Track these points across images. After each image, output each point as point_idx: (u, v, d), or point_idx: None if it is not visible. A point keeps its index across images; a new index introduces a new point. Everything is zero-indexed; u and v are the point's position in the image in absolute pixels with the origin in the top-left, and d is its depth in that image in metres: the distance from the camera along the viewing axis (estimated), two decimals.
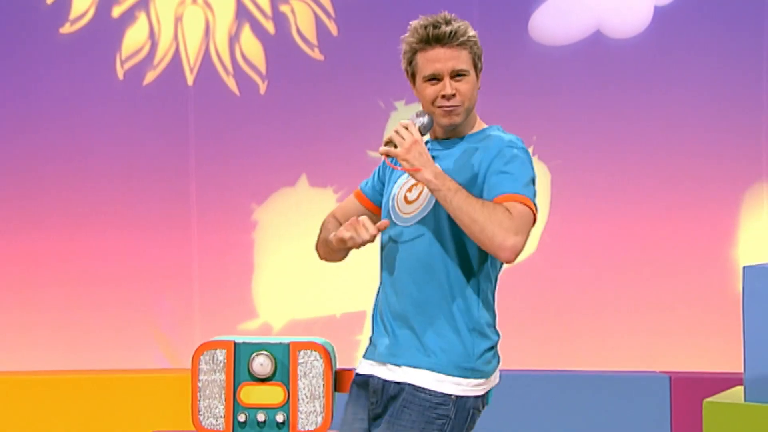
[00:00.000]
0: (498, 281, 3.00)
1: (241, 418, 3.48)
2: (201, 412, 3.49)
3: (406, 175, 2.97)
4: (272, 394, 3.48)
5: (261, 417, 3.48)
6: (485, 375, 2.94)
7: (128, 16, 5.93)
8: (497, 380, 3.01)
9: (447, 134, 2.97)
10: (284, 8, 5.92)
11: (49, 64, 5.88)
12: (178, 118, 5.93)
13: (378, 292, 3.05)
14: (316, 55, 5.91)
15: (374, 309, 3.04)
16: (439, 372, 2.88)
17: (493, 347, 2.96)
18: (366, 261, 5.87)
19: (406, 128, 2.86)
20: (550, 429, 5.31)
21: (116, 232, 5.90)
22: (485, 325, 2.94)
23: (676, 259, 5.77)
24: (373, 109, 5.92)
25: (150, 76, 5.94)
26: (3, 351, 5.82)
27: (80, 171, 5.89)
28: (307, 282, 5.92)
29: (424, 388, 2.88)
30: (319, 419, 3.48)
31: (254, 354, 3.49)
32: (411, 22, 2.95)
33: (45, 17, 5.89)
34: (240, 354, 3.49)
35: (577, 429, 5.30)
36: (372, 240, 2.92)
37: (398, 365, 2.92)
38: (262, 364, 3.48)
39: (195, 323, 5.92)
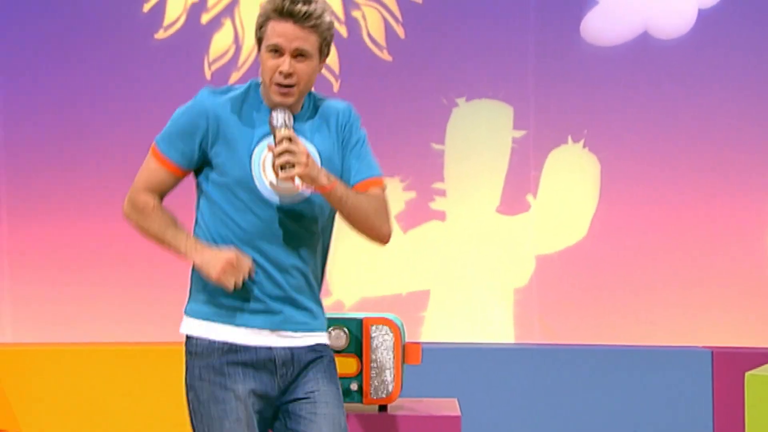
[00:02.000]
0: None
1: None
2: None
3: (265, 146, 2.72)
4: (347, 365, 3.47)
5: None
6: None
7: (215, 23, 5.95)
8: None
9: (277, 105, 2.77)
10: (356, 13, 5.91)
11: (145, 66, 5.92)
12: None
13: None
14: (385, 56, 5.89)
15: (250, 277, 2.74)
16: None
17: None
18: (427, 245, 5.88)
19: (290, 140, 2.64)
20: (598, 399, 5.26)
21: None
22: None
23: (716, 242, 5.70)
24: (436, 105, 5.89)
25: (234, 77, 5.95)
26: (100, 324, 5.87)
27: None
28: (376, 263, 5.91)
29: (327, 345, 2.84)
30: (390, 388, 3.47)
31: (330, 328, 3.47)
32: None
33: (141, 24, 5.93)
34: None
35: (624, 400, 5.25)
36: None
37: (310, 331, 2.81)
38: (337, 337, 3.48)
39: None
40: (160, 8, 5.93)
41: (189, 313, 2.81)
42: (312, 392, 2.77)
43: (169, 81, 5.93)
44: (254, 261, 2.73)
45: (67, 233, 5.91)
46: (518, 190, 5.85)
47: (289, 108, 2.74)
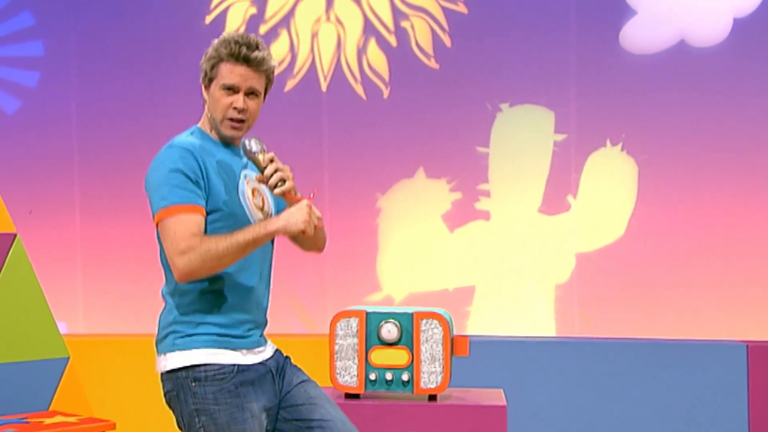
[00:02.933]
0: None
1: (372, 376, 3.49)
2: (338, 372, 3.52)
3: (244, 181, 2.84)
4: (398, 357, 3.48)
5: (389, 376, 3.49)
6: None
7: (272, 33, 5.99)
8: None
9: (227, 140, 2.85)
10: (405, 24, 5.92)
11: None
12: (314, 119, 5.97)
13: (224, 288, 2.81)
14: (432, 64, 5.90)
15: (227, 304, 2.81)
16: None
17: None
18: (472, 243, 5.88)
19: (272, 160, 2.76)
20: (634, 391, 5.23)
21: None
22: None
23: (751, 242, 5.65)
24: (481, 110, 5.89)
25: (290, 84, 5.99)
26: (147, 316, 5.92)
27: None
28: (424, 260, 5.93)
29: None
30: (439, 378, 3.48)
31: (383, 322, 3.50)
32: (224, 34, 2.84)
33: (204, 36, 5.97)
34: (370, 321, 3.51)
35: (663, 392, 5.21)
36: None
37: (266, 344, 2.93)
38: (389, 330, 3.49)
39: (327, 295, 5.96)
40: (220, 20, 5.99)
41: (188, 345, 2.81)
42: (299, 383, 2.90)
43: None
44: (244, 291, 2.82)
45: (135, 232, 5.98)
46: (559, 191, 5.84)
47: (229, 141, 2.84)
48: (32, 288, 4.00)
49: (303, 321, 6.01)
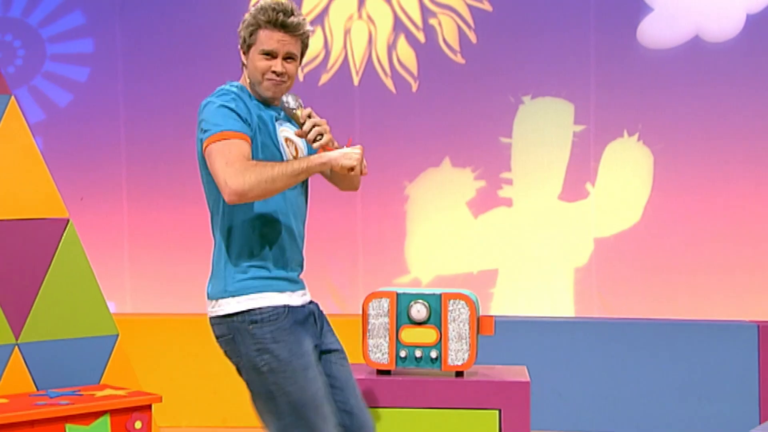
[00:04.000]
0: None
1: (402, 354, 3.49)
2: (370, 349, 3.52)
3: (281, 128, 2.85)
4: (427, 335, 3.48)
5: (418, 353, 3.48)
6: None
7: None
8: None
9: (268, 101, 2.84)
10: (433, 21, 5.90)
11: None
12: (347, 111, 5.97)
13: (270, 229, 2.81)
14: (459, 59, 5.88)
15: (274, 246, 2.81)
16: None
17: None
18: (495, 228, 5.86)
19: (310, 116, 2.77)
20: (650, 368, 5.21)
21: None
22: None
23: (762, 227, 5.61)
24: (504, 103, 5.86)
25: (324, 78, 5.98)
26: (190, 297, 5.95)
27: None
28: (449, 244, 5.92)
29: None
30: (466, 356, 3.47)
31: (412, 302, 3.49)
32: (261, 1, 2.80)
33: None
34: (401, 302, 3.50)
35: (677, 370, 5.19)
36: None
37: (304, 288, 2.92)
38: (419, 310, 3.49)
39: (359, 277, 5.97)
40: None
41: (239, 290, 2.79)
42: (331, 343, 2.91)
43: None
44: (287, 232, 2.83)
45: (179, 218, 6.01)
46: (578, 179, 5.81)
47: (267, 100, 2.83)
48: (84, 269, 4.02)
49: (336, 301, 6.02)
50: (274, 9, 2.77)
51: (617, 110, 5.76)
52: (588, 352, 5.25)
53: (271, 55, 2.79)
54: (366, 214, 5.98)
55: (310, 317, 2.87)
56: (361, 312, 3.55)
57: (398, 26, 5.93)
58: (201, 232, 6.00)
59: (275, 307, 2.77)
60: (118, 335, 4.08)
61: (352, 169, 2.73)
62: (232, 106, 2.75)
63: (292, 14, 2.78)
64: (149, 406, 3.68)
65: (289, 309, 2.78)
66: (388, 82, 5.95)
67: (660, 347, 5.22)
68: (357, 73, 5.97)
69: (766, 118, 5.62)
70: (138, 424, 3.63)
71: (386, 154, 5.96)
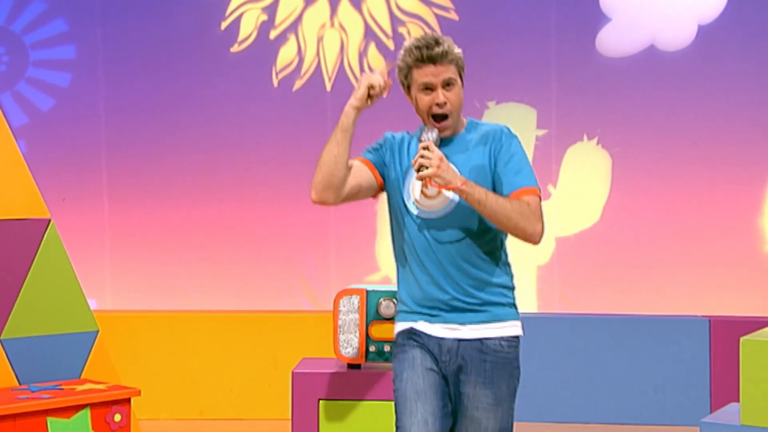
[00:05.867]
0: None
1: (372, 348, 3.49)
2: (341, 344, 3.51)
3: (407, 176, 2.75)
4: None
5: (387, 348, 3.49)
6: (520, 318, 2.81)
7: (282, 38, 5.97)
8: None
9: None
10: (402, 29, 5.90)
11: (223, 75, 5.96)
12: (319, 116, 5.95)
13: (406, 276, 2.77)
14: None
15: (409, 289, 2.77)
16: (502, 321, 2.76)
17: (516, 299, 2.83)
18: None
19: (427, 148, 2.64)
20: (608, 362, 5.23)
21: (272, 203, 5.97)
22: (512, 280, 2.83)
23: (714, 226, 5.65)
24: (470, 107, 5.85)
25: (298, 84, 5.97)
26: (187, 294, 5.93)
27: (245, 157, 5.96)
28: None
29: (497, 339, 2.73)
30: None
31: (381, 299, 3.50)
32: (405, 44, 2.75)
33: (219, 40, 5.97)
34: (370, 299, 3.50)
35: (634, 362, 5.22)
36: (384, 88, 2.78)
37: (463, 324, 2.72)
38: (388, 306, 3.49)
39: (331, 275, 5.96)
40: (234, 26, 5.97)
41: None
42: (474, 395, 2.74)
43: (242, 87, 5.97)
44: (422, 271, 2.74)
45: (158, 217, 5.98)
46: (540, 181, 5.70)
47: (451, 130, 2.74)
48: (65, 268, 3.99)
49: (309, 298, 6.01)
50: (417, 47, 2.72)
51: (577, 115, 5.79)
52: (550, 346, 5.27)
53: (429, 88, 2.73)
54: (338, 215, 5.98)
55: (449, 347, 2.71)
56: (332, 308, 3.54)
57: (369, 34, 5.93)
58: (179, 232, 6.01)
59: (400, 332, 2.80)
60: (98, 331, 4.05)
61: (372, 87, 2.74)
62: (380, 140, 2.89)
63: (437, 45, 2.71)
64: (128, 400, 3.65)
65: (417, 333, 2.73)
66: None
67: (618, 341, 5.25)
68: (329, 79, 5.96)
69: (717, 122, 5.67)
70: (117, 417, 3.61)
71: (356, 156, 5.95)
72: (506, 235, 2.78)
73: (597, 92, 5.74)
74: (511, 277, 2.82)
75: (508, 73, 5.80)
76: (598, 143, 5.80)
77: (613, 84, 5.73)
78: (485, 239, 2.73)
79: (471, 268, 2.72)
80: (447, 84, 2.72)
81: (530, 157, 5.78)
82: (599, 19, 5.75)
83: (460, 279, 2.72)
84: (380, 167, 2.84)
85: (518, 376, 2.78)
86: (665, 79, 5.69)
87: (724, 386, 5.03)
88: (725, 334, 5.06)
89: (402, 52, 2.77)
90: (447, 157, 2.68)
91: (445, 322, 2.73)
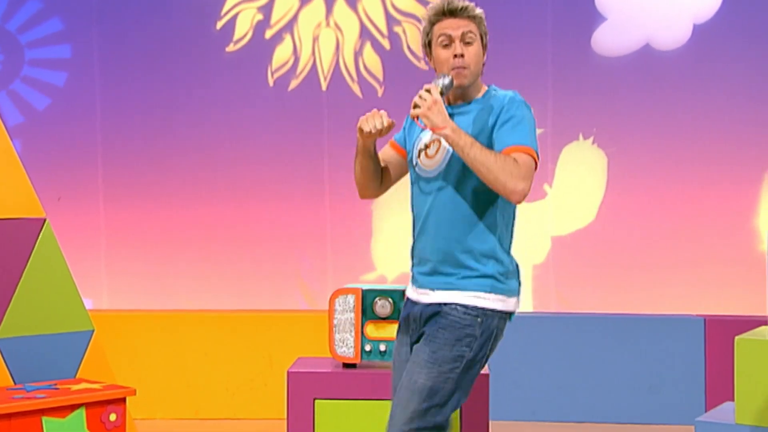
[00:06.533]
0: (515, 214, 2.82)
1: (367, 348, 3.49)
2: (336, 343, 3.51)
3: (425, 133, 2.80)
4: (391, 330, 3.49)
5: (382, 347, 3.49)
6: (505, 292, 2.73)
7: (277, 37, 5.97)
8: (517, 306, 2.79)
9: (458, 99, 2.78)
10: (397, 29, 5.90)
11: (218, 74, 5.96)
12: (315, 115, 5.95)
13: (413, 233, 2.85)
14: (422, 65, 5.88)
15: (412, 246, 2.85)
16: (465, 290, 2.70)
17: (509, 270, 2.75)
18: None
19: (428, 91, 2.67)
20: (604, 360, 5.24)
21: (268, 202, 5.96)
22: (500, 252, 2.73)
23: (710, 226, 5.66)
24: None
25: (293, 83, 5.97)
26: (183, 294, 5.93)
27: (241, 157, 5.96)
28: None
29: (454, 305, 2.69)
30: None
31: (377, 298, 3.49)
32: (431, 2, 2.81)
33: (215, 39, 5.96)
34: (366, 298, 3.50)
35: (629, 361, 5.23)
36: (383, 128, 2.75)
37: (433, 290, 2.75)
38: (383, 306, 3.49)
39: (327, 274, 5.96)
40: (230, 26, 5.96)
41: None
42: (418, 346, 2.77)
43: (238, 87, 5.96)
44: (416, 225, 2.83)
45: (154, 217, 5.98)
46: (536, 180, 5.74)
47: (466, 93, 2.76)
48: (60, 267, 3.99)
49: (305, 298, 6.01)
50: (440, 2, 2.76)
51: (573, 114, 5.79)
52: (545, 346, 5.28)
53: (448, 42, 2.73)
54: (334, 214, 5.98)
55: (415, 316, 2.78)
56: (328, 308, 3.54)
57: (364, 34, 5.93)
58: (175, 232, 6.01)
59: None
60: (93, 331, 4.05)
61: (360, 131, 2.76)
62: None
63: (461, 0, 2.76)
64: (124, 399, 3.65)
65: (407, 300, 2.85)
66: (355, 88, 5.95)
67: (613, 340, 5.26)
68: (325, 78, 5.96)
69: (713, 121, 5.68)
70: (113, 417, 3.61)
71: (353, 156, 5.95)
72: (510, 206, 2.76)
73: (593, 91, 5.74)
74: (501, 248, 2.74)
75: (504, 72, 5.78)
76: (593, 142, 5.80)
77: (608, 83, 5.73)
78: (474, 203, 2.71)
79: (452, 230, 2.72)
80: (466, 39, 2.73)
81: None
82: (595, 18, 5.75)
83: (440, 239, 2.73)
84: (402, 141, 2.94)
85: (470, 345, 2.68)
86: (661, 79, 5.69)
87: (719, 385, 5.04)
88: (720, 334, 5.07)
89: (426, 12, 2.81)
90: (456, 121, 2.71)
91: (420, 286, 2.78)
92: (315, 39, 5.95)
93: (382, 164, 2.92)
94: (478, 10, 2.79)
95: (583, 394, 5.23)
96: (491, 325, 2.71)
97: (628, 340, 5.25)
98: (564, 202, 5.83)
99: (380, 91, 5.93)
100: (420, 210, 2.81)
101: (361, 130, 2.77)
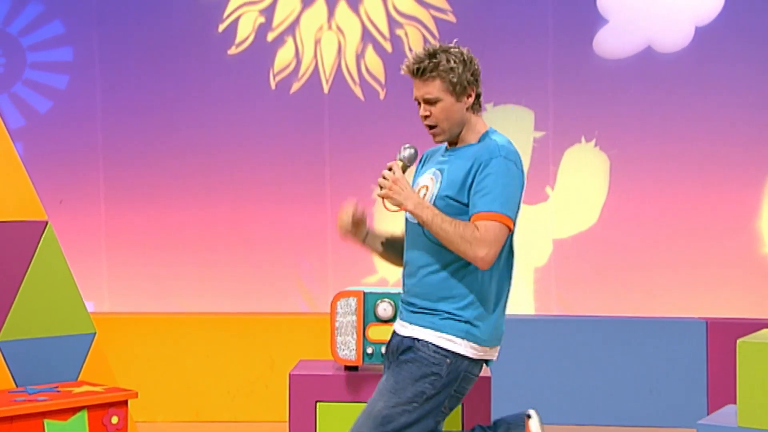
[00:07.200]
0: (512, 266, 2.89)
1: (369, 350, 3.49)
2: (338, 346, 3.51)
3: (420, 177, 2.89)
4: None
5: (384, 350, 3.48)
6: (479, 341, 2.78)
7: (279, 40, 5.97)
8: (492, 355, 2.84)
9: (454, 143, 2.84)
10: (399, 32, 5.91)
11: (220, 77, 5.96)
12: (317, 118, 5.96)
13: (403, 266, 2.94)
14: None
15: (402, 277, 2.93)
16: (439, 331, 2.77)
17: (488, 319, 2.80)
18: None
19: (390, 169, 2.75)
20: (605, 363, 5.24)
21: (269, 205, 5.97)
22: (483, 300, 2.79)
23: (711, 228, 5.66)
24: None
25: (295, 86, 5.97)
26: (184, 297, 5.93)
27: (243, 159, 5.96)
28: None
29: (426, 342, 2.76)
30: None
31: (379, 301, 3.50)
32: None
33: (217, 42, 5.97)
34: (368, 301, 3.50)
35: (631, 364, 5.22)
36: (355, 220, 2.89)
37: (411, 323, 2.83)
38: (385, 309, 3.49)
39: (329, 277, 5.96)
40: (232, 29, 5.97)
41: None
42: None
43: (240, 90, 5.97)
44: (405, 263, 2.89)
45: (156, 219, 5.98)
46: (538, 182, 5.84)
47: (461, 137, 2.81)
48: (62, 270, 3.99)
49: (306, 300, 6.01)
50: (409, 58, 2.80)
51: (575, 117, 5.79)
52: (547, 348, 5.28)
53: (418, 103, 2.81)
54: (335, 216, 5.96)
55: (393, 348, 2.87)
56: (329, 310, 3.54)
57: (366, 37, 5.94)
58: (176, 234, 6.01)
59: None
60: (95, 333, 4.05)
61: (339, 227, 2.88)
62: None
63: (420, 60, 2.75)
64: (125, 402, 3.65)
65: (393, 332, 2.92)
66: (357, 90, 5.95)
67: (615, 343, 5.25)
68: (327, 81, 5.96)
69: (715, 123, 5.68)
70: (114, 419, 3.61)
71: (355, 158, 5.96)
72: (505, 263, 2.84)
73: (594, 94, 5.75)
74: (485, 296, 2.79)
75: (506, 75, 5.81)
76: (595, 145, 5.80)
77: (610, 86, 5.73)
78: (451, 253, 2.75)
79: (431, 273, 2.78)
80: (427, 102, 2.77)
81: (528, 159, 5.82)
82: (596, 20, 5.76)
83: (421, 280, 2.80)
84: None
85: (434, 384, 2.74)
86: (662, 81, 5.69)
87: (721, 388, 5.03)
88: (722, 336, 5.06)
89: None
90: (446, 163, 2.77)
91: (404, 319, 2.86)
92: (317, 42, 5.96)
93: (399, 232, 2.98)
94: (445, 65, 2.76)
95: (584, 397, 5.23)
96: (459, 368, 2.77)
97: (630, 343, 5.24)
98: (566, 205, 5.83)
99: (382, 94, 5.94)
100: (408, 248, 2.87)
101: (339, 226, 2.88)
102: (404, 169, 2.79)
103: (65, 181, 5.96)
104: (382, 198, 2.73)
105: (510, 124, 5.82)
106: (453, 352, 2.75)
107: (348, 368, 3.53)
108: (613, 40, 5.75)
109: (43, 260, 3.93)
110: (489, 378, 3.44)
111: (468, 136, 2.82)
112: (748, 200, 5.67)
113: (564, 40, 5.75)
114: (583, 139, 5.81)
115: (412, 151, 2.81)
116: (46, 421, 3.46)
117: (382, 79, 5.92)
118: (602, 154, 5.79)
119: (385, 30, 5.91)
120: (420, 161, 2.97)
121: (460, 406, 3.39)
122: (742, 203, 5.67)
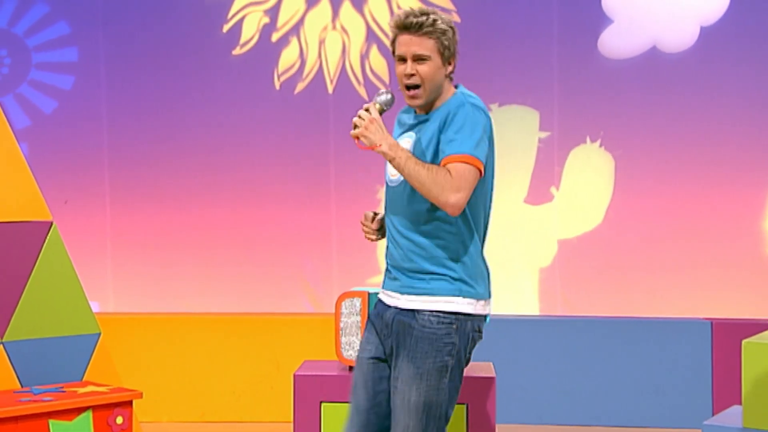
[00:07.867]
0: (486, 219, 2.83)
1: None
2: (343, 347, 3.52)
3: (404, 137, 2.83)
4: None
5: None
6: (475, 295, 2.75)
7: (284, 41, 5.98)
8: (487, 310, 2.81)
9: (424, 109, 2.78)
10: None
11: (225, 77, 5.97)
12: (321, 118, 5.96)
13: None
14: None
15: (385, 250, 2.87)
16: (433, 295, 2.73)
17: (476, 274, 2.76)
18: None
19: (367, 110, 2.71)
20: (609, 364, 5.23)
21: (274, 206, 5.97)
22: (466, 256, 2.75)
23: (716, 228, 5.66)
24: None
25: (300, 86, 5.98)
26: (189, 297, 5.93)
27: (247, 159, 5.97)
28: None
29: (424, 314, 2.71)
30: None
31: None
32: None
33: (221, 42, 5.98)
34: (372, 301, 3.49)
35: (635, 365, 5.22)
36: (376, 225, 2.88)
37: (401, 294, 2.77)
38: None
39: (333, 277, 5.96)
40: (237, 29, 5.98)
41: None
42: (396, 367, 2.78)
43: (244, 90, 5.97)
44: (389, 230, 2.84)
45: (161, 220, 5.99)
46: (543, 183, 5.83)
47: (432, 103, 2.75)
48: (67, 270, 4.00)
49: (311, 301, 6.02)
50: (401, 14, 2.74)
51: (580, 117, 5.79)
52: (551, 349, 5.28)
53: (402, 59, 2.74)
54: (340, 217, 5.98)
55: (387, 321, 2.79)
56: (334, 311, 3.55)
57: (371, 37, 5.94)
58: (181, 235, 6.02)
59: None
60: (100, 334, 4.06)
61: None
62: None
63: (419, 15, 2.71)
64: (130, 402, 3.66)
65: (378, 301, 2.86)
66: (361, 90, 5.95)
67: (619, 343, 5.25)
68: (331, 81, 5.97)
69: (720, 124, 5.67)
70: (119, 420, 3.62)
71: (359, 158, 5.95)
72: (479, 210, 2.77)
73: (599, 94, 5.74)
74: (467, 252, 2.75)
75: (510, 76, 5.81)
76: (600, 145, 5.80)
77: (615, 86, 5.73)
78: (433, 209, 2.72)
79: (415, 235, 2.74)
80: (418, 58, 2.71)
81: (533, 159, 5.82)
82: (601, 20, 5.75)
83: (405, 244, 2.76)
84: None
85: (450, 352, 2.71)
86: (667, 81, 5.69)
87: (726, 389, 5.03)
88: (727, 337, 5.06)
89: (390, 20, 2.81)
90: (416, 127, 2.75)
91: (389, 289, 2.82)
92: (321, 42, 5.96)
93: None
94: (440, 26, 2.73)
95: (589, 398, 5.23)
96: (467, 329, 2.75)
97: (635, 344, 5.24)
98: (571, 205, 5.82)
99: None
100: (388, 212, 2.85)
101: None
102: (381, 113, 2.75)
103: (70, 181, 5.97)
104: (357, 138, 2.69)
105: (515, 125, 5.82)
106: (454, 313, 2.72)
107: (353, 369, 3.52)
108: (618, 40, 5.75)
109: (47, 261, 3.94)
110: (493, 378, 3.44)
111: (437, 101, 2.78)
112: (753, 200, 5.66)
113: (569, 40, 5.75)
114: (588, 140, 5.81)
115: (389, 96, 2.77)
116: (51, 422, 3.46)
117: (387, 79, 5.92)
118: (607, 154, 5.78)
119: (389, 30, 5.91)
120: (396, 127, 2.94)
121: (464, 407, 3.39)
122: (747, 203, 5.66)
